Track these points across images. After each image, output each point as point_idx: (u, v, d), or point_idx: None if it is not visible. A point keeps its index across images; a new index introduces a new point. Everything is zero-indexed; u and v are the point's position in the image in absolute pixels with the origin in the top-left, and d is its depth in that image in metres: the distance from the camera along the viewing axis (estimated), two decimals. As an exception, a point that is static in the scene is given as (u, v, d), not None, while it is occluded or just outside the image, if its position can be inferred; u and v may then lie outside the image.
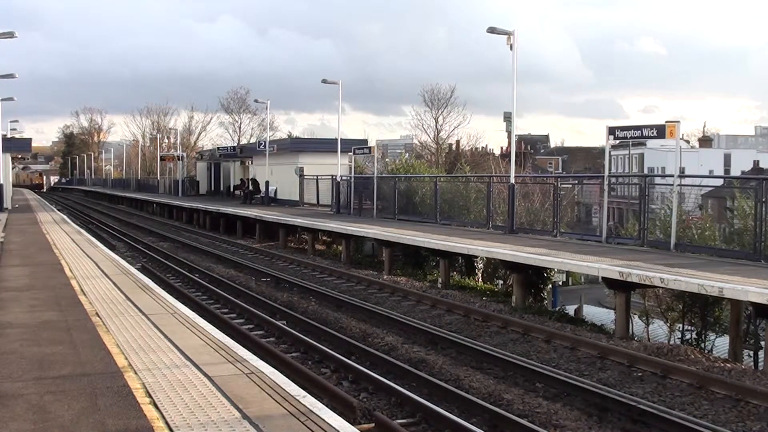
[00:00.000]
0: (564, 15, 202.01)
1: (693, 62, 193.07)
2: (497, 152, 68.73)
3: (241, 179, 47.55)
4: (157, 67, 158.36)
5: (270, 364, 7.28)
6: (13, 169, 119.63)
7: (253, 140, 69.40)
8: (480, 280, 21.36)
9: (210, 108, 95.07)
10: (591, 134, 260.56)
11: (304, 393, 6.12)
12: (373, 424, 7.95)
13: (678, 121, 15.98)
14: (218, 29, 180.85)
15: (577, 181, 28.20)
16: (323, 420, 5.38)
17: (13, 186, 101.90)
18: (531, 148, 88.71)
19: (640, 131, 16.77)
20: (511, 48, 20.23)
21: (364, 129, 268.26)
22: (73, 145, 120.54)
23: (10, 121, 57.75)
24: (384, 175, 32.55)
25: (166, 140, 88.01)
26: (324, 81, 32.41)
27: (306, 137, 68.08)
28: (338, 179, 31.36)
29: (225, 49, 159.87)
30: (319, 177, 34.36)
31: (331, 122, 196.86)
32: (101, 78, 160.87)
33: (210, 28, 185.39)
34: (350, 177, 32.72)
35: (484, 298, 16.76)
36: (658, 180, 23.82)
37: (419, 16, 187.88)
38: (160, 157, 68.39)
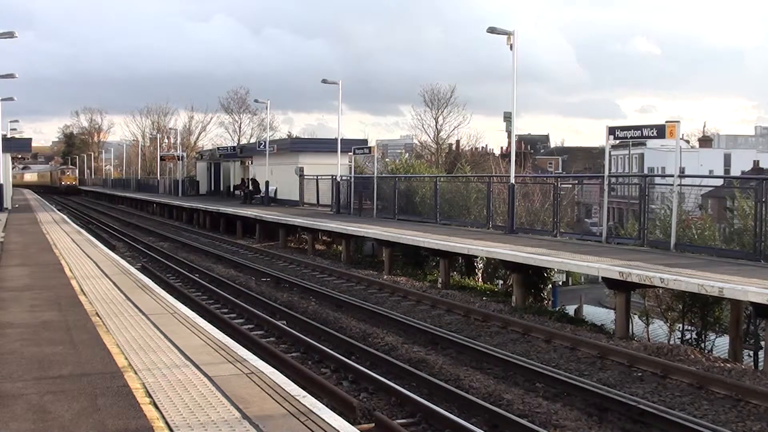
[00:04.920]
0: (559, 15, 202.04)
1: (688, 62, 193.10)
2: (497, 152, 68.82)
3: (242, 179, 47.55)
4: (152, 66, 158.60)
5: (270, 364, 7.28)
6: (25, 168, 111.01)
7: (252, 140, 69.43)
8: (480, 280, 21.36)
9: (210, 108, 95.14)
10: (589, 134, 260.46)
11: (304, 393, 6.12)
12: (373, 424, 7.95)
13: (678, 121, 16.00)
14: (212, 29, 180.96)
15: (577, 181, 28.22)
16: (323, 420, 5.38)
17: (36, 188, 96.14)
18: (531, 148, 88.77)
19: (640, 131, 16.77)
20: (511, 48, 20.21)
21: (363, 129, 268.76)
22: (73, 145, 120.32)
23: (10, 121, 57.72)
24: (384, 175, 32.55)
25: (166, 140, 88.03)
26: (324, 81, 32.44)
27: (306, 137, 68.17)
28: (338, 179, 31.36)
29: (220, 49, 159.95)
30: (319, 177, 34.35)
31: (329, 122, 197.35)
32: (97, 78, 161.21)
33: (204, 27, 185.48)
34: (350, 177, 32.72)
35: (484, 298, 16.76)
36: (658, 180, 23.82)
37: (414, 15, 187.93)
38: (160, 157, 68.36)
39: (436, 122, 59.54)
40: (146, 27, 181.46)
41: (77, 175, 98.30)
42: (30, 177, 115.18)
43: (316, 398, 6.18)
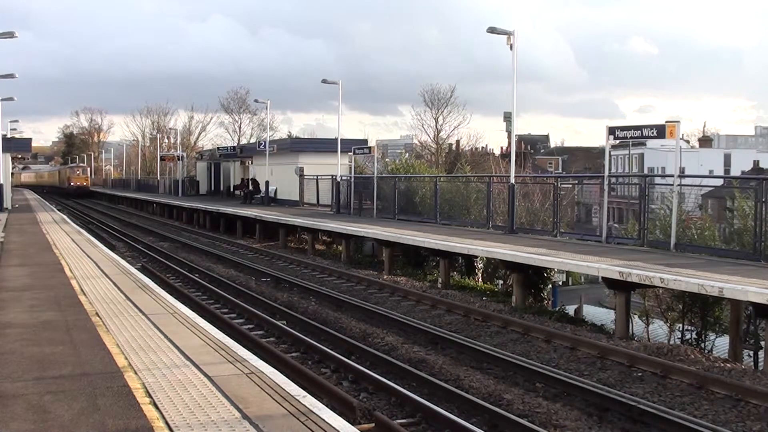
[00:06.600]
0: (556, 15, 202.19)
1: (686, 62, 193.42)
2: (497, 152, 68.76)
3: (242, 179, 47.55)
4: (152, 66, 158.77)
5: (270, 364, 7.28)
6: (25, 168, 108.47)
7: (252, 140, 69.43)
8: (480, 280, 21.36)
9: (210, 108, 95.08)
10: (588, 134, 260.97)
11: (304, 393, 6.12)
12: (373, 424, 7.95)
13: (678, 121, 16.00)
14: (210, 29, 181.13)
15: (577, 181, 28.20)
16: (323, 420, 5.38)
17: (41, 189, 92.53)
18: (531, 148, 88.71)
19: (640, 131, 16.77)
20: (511, 48, 20.20)
21: (362, 129, 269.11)
22: (73, 145, 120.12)
23: (10, 121, 57.68)
24: (384, 175, 32.54)
25: (166, 140, 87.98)
26: (324, 81, 32.43)
27: (306, 137, 68.16)
28: (338, 179, 31.36)
29: (218, 49, 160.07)
30: (319, 177, 34.35)
31: (328, 122, 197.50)
32: (97, 78, 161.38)
33: (202, 27, 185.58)
34: (350, 177, 32.72)
35: (484, 298, 16.76)
36: (658, 180, 23.80)
37: (413, 15, 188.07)
38: (160, 157, 68.37)
39: (436, 122, 59.53)
40: (144, 27, 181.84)
41: (89, 174, 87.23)
42: (34, 177, 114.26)
43: (316, 398, 6.18)
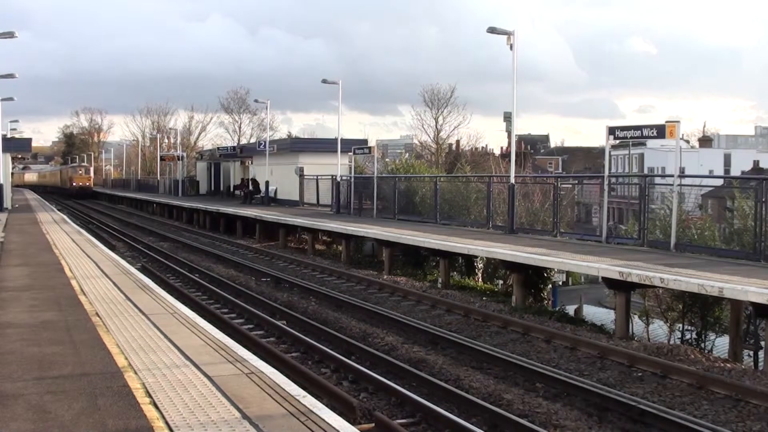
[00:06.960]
0: (556, 15, 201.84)
1: (686, 62, 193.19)
2: (497, 152, 68.73)
3: (242, 179, 47.56)
4: (152, 66, 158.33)
5: (270, 364, 7.28)
6: (26, 168, 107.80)
7: (252, 140, 69.44)
8: (480, 280, 21.36)
9: (210, 108, 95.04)
10: (588, 134, 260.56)
11: (304, 393, 6.12)
12: (373, 424, 7.95)
13: (678, 121, 16.02)
14: (209, 29, 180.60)
15: (577, 181, 28.21)
16: (323, 420, 5.38)
17: (42, 189, 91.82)
18: (531, 148, 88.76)
19: (640, 131, 16.78)
20: (511, 48, 20.21)
21: (362, 129, 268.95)
22: (73, 145, 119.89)
23: (10, 121, 57.67)
24: (384, 175, 32.54)
25: (166, 140, 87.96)
26: (324, 81, 32.46)
27: (306, 137, 68.17)
28: (338, 179, 31.37)
29: (217, 49, 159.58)
30: (319, 177, 34.36)
31: (328, 122, 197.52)
32: (97, 78, 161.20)
33: (201, 27, 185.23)
34: (350, 177, 32.73)
35: (484, 298, 16.76)
36: (658, 180, 23.81)
37: (412, 15, 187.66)
38: (160, 157, 68.37)
39: (436, 122, 59.57)
40: (144, 26, 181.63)
41: (92, 174, 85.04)
42: (35, 177, 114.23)
43: (316, 398, 6.19)
